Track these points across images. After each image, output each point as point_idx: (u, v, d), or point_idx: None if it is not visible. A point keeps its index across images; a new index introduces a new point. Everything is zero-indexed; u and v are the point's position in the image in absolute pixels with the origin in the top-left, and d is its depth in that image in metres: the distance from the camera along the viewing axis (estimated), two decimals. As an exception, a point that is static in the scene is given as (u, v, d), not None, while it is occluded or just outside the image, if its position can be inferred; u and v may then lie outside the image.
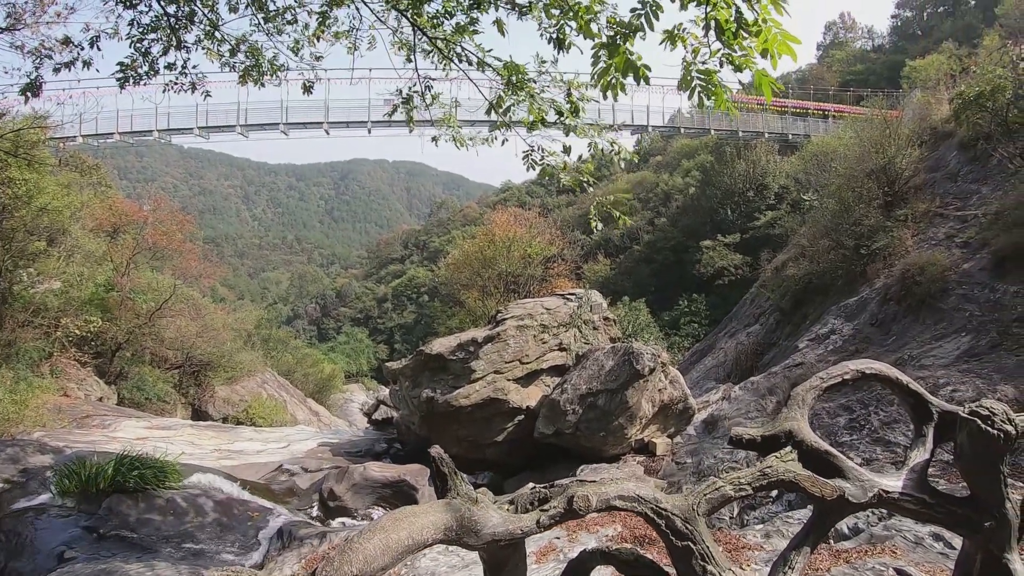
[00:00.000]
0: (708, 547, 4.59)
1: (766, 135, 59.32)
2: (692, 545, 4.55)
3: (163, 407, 31.72)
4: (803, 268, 26.84)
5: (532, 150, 8.77)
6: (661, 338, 39.20)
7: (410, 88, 9.51)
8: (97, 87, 38.25)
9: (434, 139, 9.35)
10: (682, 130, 61.79)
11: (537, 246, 37.85)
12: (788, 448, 5.08)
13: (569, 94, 8.43)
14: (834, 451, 5.19)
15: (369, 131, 49.46)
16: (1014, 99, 20.47)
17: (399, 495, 16.93)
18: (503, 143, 9.46)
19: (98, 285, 31.12)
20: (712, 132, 58.83)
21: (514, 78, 8.20)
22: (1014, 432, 4.44)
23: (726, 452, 15.74)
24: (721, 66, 5.54)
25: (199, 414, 34.48)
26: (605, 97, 6.19)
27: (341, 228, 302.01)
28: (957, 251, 19.80)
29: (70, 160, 39.53)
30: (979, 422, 4.52)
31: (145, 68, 9.45)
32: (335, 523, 15.63)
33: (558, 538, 10.36)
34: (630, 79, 5.78)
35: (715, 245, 60.02)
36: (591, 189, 9.10)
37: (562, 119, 8.28)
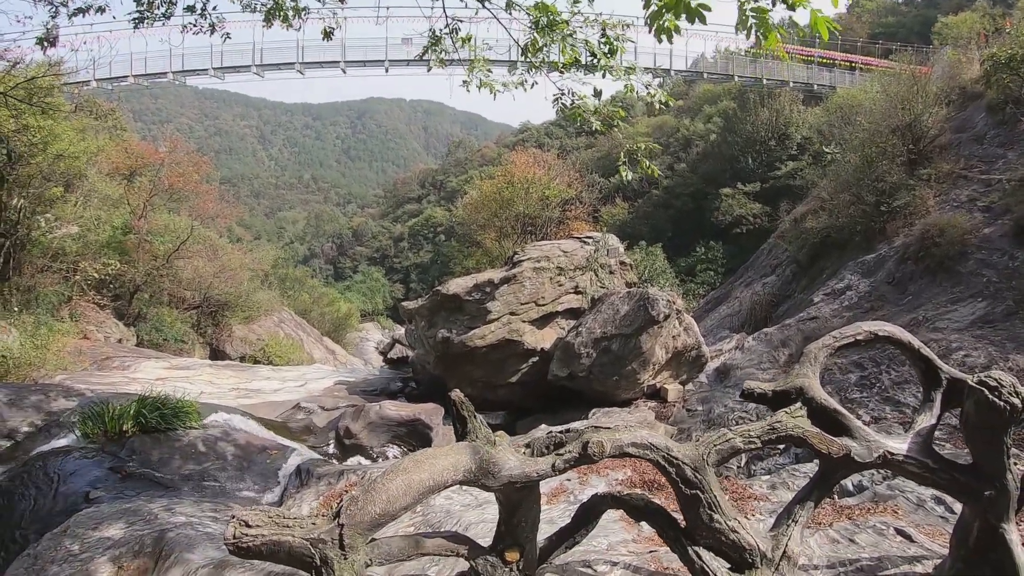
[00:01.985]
0: (715, 496, 4.85)
1: (791, 84, 58.26)
2: (700, 494, 4.79)
3: (181, 347, 32.19)
4: (822, 221, 26.73)
5: (562, 93, 8.79)
6: (677, 284, 39.12)
7: (440, 29, 9.44)
8: (110, 31, 38.03)
9: (464, 83, 9.18)
10: (705, 75, 60.83)
11: (555, 188, 37.80)
12: (798, 404, 5.27)
13: (604, 35, 8.37)
14: (843, 410, 5.38)
15: (386, 70, 49.11)
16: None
17: (414, 434, 17.24)
18: (532, 86, 9.41)
19: (115, 228, 31.39)
20: (736, 78, 57.99)
21: (545, 19, 8.17)
22: (1020, 405, 4.54)
23: (736, 402, 15.84)
24: (773, 5, 5.58)
25: (217, 354, 34.96)
26: (660, 40, 6.16)
27: (358, 167, 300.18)
28: (979, 215, 19.71)
29: (85, 105, 39.45)
30: (986, 392, 4.62)
31: (163, 9, 9.47)
32: (351, 461, 15.91)
33: (569, 480, 10.58)
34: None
35: (734, 193, 59.42)
36: (620, 134, 8.94)
37: (596, 61, 8.25)
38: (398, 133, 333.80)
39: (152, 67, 47.89)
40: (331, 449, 16.77)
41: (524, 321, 19.30)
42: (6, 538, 9.29)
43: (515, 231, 37.15)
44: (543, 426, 15.62)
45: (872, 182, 24.12)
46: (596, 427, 4.93)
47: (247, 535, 4.12)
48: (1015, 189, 19.34)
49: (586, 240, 21.91)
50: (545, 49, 8.34)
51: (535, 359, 19.44)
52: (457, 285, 19.92)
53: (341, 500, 9.94)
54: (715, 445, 4.99)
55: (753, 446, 5.12)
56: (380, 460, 15.01)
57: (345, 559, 4.20)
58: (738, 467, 13.50)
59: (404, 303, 22.97)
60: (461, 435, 4.97)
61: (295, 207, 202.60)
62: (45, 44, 8.75)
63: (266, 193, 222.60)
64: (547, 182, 37.80)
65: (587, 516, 5.66)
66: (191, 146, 50.15)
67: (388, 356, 34.05)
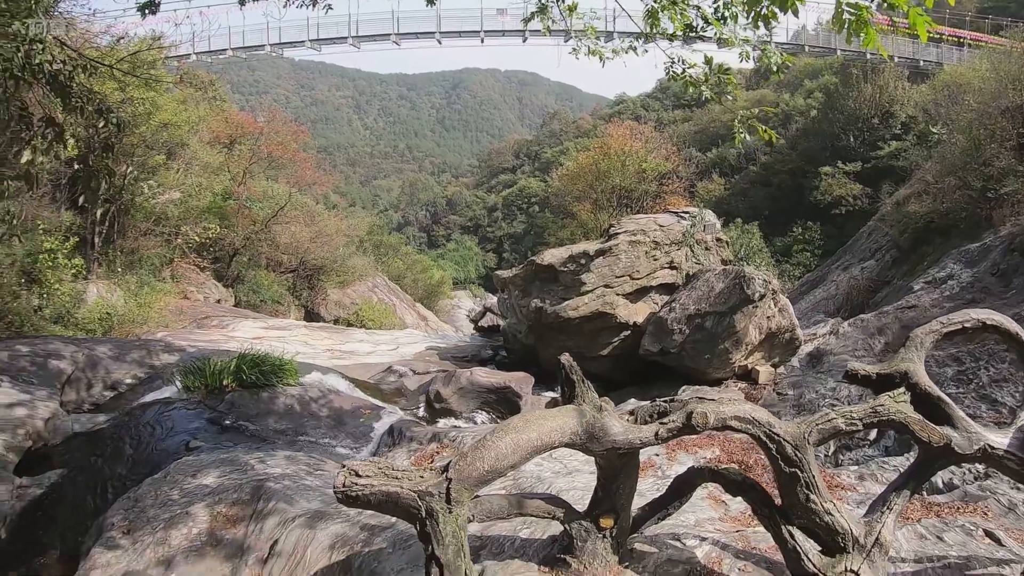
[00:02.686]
0: (813, 476, 4.75)
1: (895, 60, 55.22)
2: (799, 473, 4.70)
3: (277, 309, 33.01)
4: (925, 206, 25.40)
5: (673, 61, 8.62)
6: (772, 265, 38.23)
7: None
8: (208, 6, 38.83)
9: (573, 51, 9.06)
10: (806, 48, 58.80)
11: (652, 161, 37.30)
12: (902, 389, 5.13)
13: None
14: (946, 398, 5.23)
15: (482, 40, 48.81)
16: None
17: (503, 401, 17.28)
18: (644, 53, 9.24)
19: (216, 194, 32.34)
20: (838, 53, 56.07)
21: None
22: None
23: (828, 389, 15.39)
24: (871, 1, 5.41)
25: (311, 316, 35.69)
26: (757, 28, 6.07)
27: (452, 137, 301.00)
28: (1097, 206, 18.68)
29: (186, 77, 40.50)
30: None
31: None
32: (441, 424, 16.12)
33: (657, 455, 10.48)
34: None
35: (834, 172, 57.01)
36: (731, 100, 8.72)
37: (709, 28, 8.04)
38: (492, 104, 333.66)
39: (250, 40, 48.69)
40: (421, 412, 16.92)
41: (618, 294, 19.03)
42: (109, 482, 9.59)
43: (610, 204, 36.84)
44: (632, 400, 15.54)
45: (979, 166, 22.78)
46: (701, 398, 4.88)
47: (357, 484, 4.22)
48: None
49: (683, 215, 21.50)
50: (658, 15, 8.11)
51: (627, 333, 19.16)
52: (552, 256, 19.72)
53: (439, 459, 10.03)
54: (817, 424, 4.88)
55: (854, 428, 5.01)
56: (470, 425, 14.98)
57: (450, 512, 4.26)
58: (826, 455, 13.17)
59: (498, 272, 22.94)
60: (568, 398, 4.97)
61: (390, 176, 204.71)
62: (146, 11, 8.86)
63: (361, 162, 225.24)
64: (644, 155, 37.32)
65: (682, 488, 5.61)
66: (288, 116, 50.95)
67: (479, 324, 34.21)
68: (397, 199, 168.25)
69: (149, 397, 13.28)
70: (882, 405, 4.96)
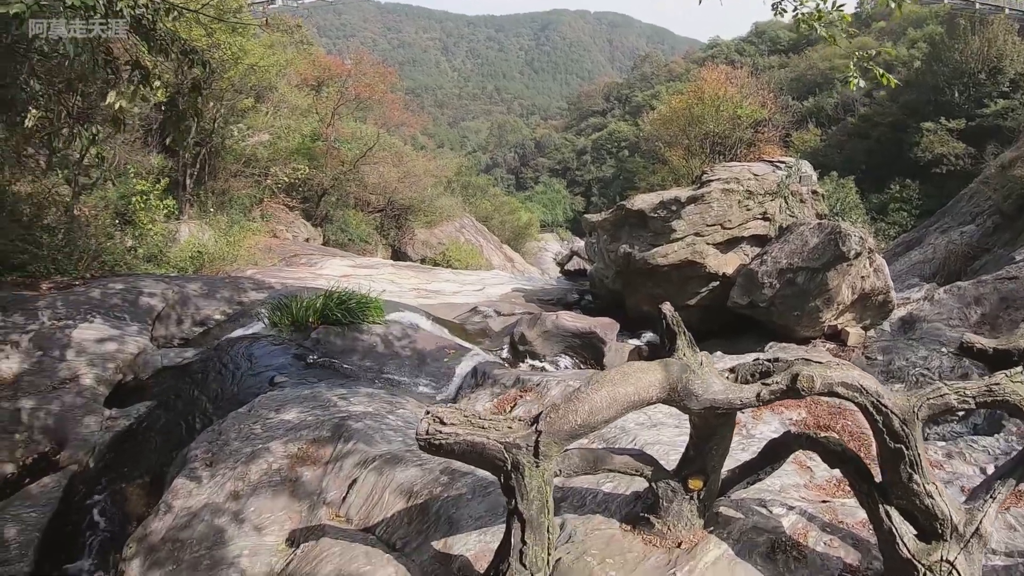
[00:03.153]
0: (918, 454, 4.40)
1: (1007, 11, 52.62)
2: (904, 450, 4.36)
3: (365, 247, 33.37)
4: None
5: None
6: (867, 222, 36.83)
7: None
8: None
9: None
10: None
11: (747, 108, 36.40)
12: (1019, 368, 4.71)
13: None
14: None
15: (572, -22, 48.00)
16: None
17: (587, 347, 17.10)
18: None
19: (304, 136, 32.71)
20: (946, 1, 53.37)
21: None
22: None
23: (919, 357, 14.82)
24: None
25: (398, 255, 36.03)
26: None
27: (541, 79, 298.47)
28: None
29: (272, 22, 40.71)
30: None
31: None
32: (524, 366, 16.05)
33: (743, 413, 10.23)
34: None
35: (936, 129, 53.81)
36: (846, 42, 8.19)
37: None
38: (582, 45, 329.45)
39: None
40: (504, 354, 16.86)
41: (708, 243, 18.55)
42: (195, 414, 9.72)
43: (703, 150, 36.22)
44: (719, 353, 15.24)
45: None
46: (807, 359, 4.55)
47: (441, 432, 4.06)
48: None
49: (778, 165, 20.81)
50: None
51: (716, 283, 18.74)
52: (642, 201, 19.34)
53: (522, 403, 9.89)
54: (928, 399, 4.49)
55: (966, 406, 4.61)
56: (555, 369, 14.83)
57: (537, 467, 4.10)
58: None
59: (587, 215, 22.66)
60: (668, 351, 4.69)
61: (478, 117, 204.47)
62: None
63: (449, 103, 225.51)
64: (739, 101, 36.42)
65: (775, 454, 5.33)
66: (375, 58, 50.87)
67: (565, 267, 34.07)
68: (485, 141, 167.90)
69: (237, 333, 13.48)
70: (997, 384, 4.57)
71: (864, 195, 45.07)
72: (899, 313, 17.77)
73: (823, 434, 5.19)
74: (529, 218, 62.61)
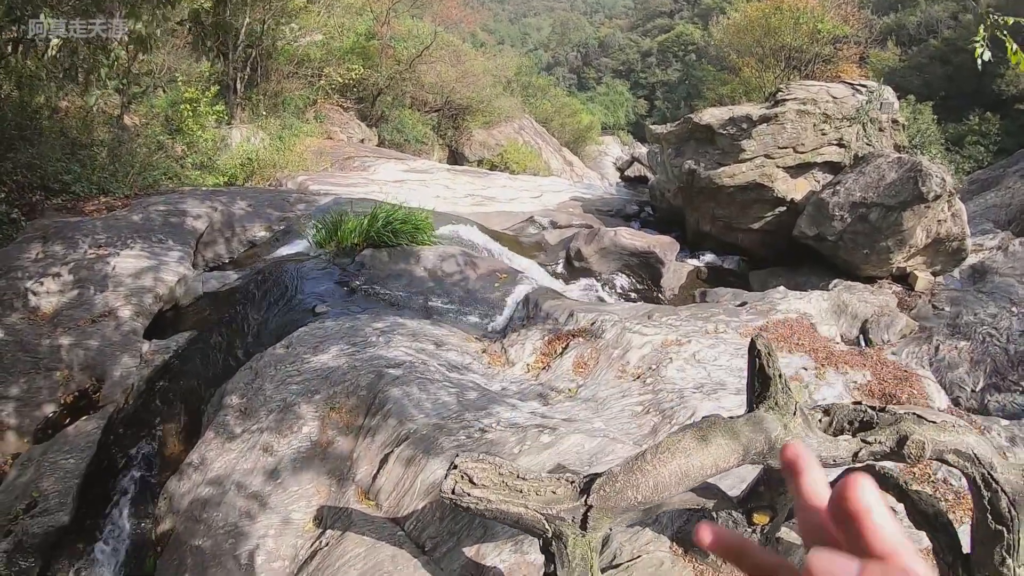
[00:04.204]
0: (1019, 539, 3.83)
1: None
2: (1006, 533, 3.81)
3: (421, 148, 32.92)
4: None
5: None
6: (946, 158, 35.29)
7: None
8: None
9: None
10: None
11: (829, 22, 34.47)
12: None
13: None
14: None
15: None
16: None
17: (645, 266, 16.74)
18: None
19: (359, 35, 32.26)
20: None
21: None
22: None
23: (989, 314, 14.09)
24: None
25: (455, 156, 35.62)
26: None
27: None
28: None
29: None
30: None
31: None
32: (580, 287, 15.63)
33: (805, 369, 9.71)
34: None
35: None
36: None
37: None
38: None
39: None
40: (560, 268, 16.60)
41: (778, 166, 17.93)
42: (235, 346, 9.43)
43: (777, 63, 34.72)
44: (781, 288, 14.65)
45: None
46: (919, 416, 3.89)
47: (470, 496, 3.55)
48: None
49: (859, 88, 19.77)
50: None
51: (782, 209, 18.16)
52: (711, 115, 18.66)
53: (575, 345, 9.42)
54: None
55: None
56: (614, 301, 14.30)
57: (583, 537, 3.55)
58: (972, 390, 12.14)
59: (652, 126, 21.94)
60: (760, 396, 4.00)
61: (540, 14, 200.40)
62: None
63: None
64: (820, 14, 34.59)
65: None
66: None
67: (625, 174, 33.54)
68: (547, 38, 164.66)
69: (281, 251, 13.21)
70: None
71: (941, 124, 43.14)
72: (970, 260, 17.07)
73: (915, 487, 4.50)
74: (590, 121, 61.14)
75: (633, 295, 16.14)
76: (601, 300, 14.83)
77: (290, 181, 19.68)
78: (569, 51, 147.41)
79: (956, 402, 11.77)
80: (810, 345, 10.77)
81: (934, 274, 16.63)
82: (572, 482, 3.55)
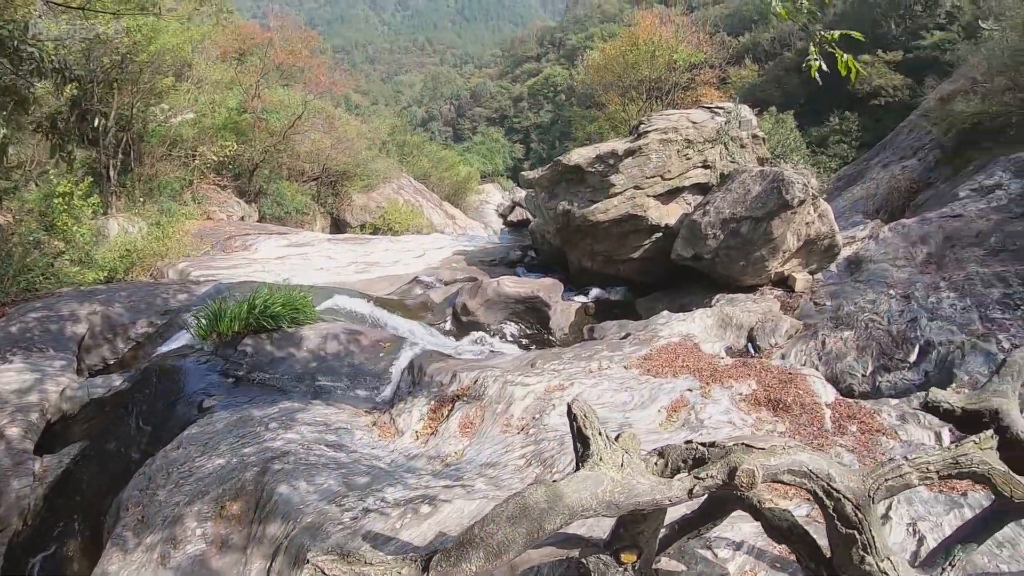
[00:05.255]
0: (873, 537, 4.22)
1: None
2: (857, 535, 4.19)
3: (302, 219, 32.98)
4: (973, 105, 23.78)
5: None
6: (808, 159, 36.95)
7: None
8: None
9: None
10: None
11: (683, 51, 36.08)
12: (989, 433, 4.52)
13: None
14: None
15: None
16: None
17: (532, 311, 17.21)
18: None
19: (230, 110, 32.10)
20: None
21: None
22: None
23: (867, 301, 14.99)
24: None
25: (338, 223, 35.80)
26: None
27: (473, 28, 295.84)
28: None
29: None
30: None
31: None
32: (466, 341, 15.94)
33: (691, 390, 10.16)
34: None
35: (874, 61, 53.65)
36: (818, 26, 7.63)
37: None
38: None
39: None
40: (448, 326, 16.89)
41: (648, 195, 18.62)
42: (127, 450, 9.45)
43: (640, 96, 35.94)
44: (665, 312, 15.22)
45: None
46: (748, 446, 4.23)
47: None
48: None
49: (717, 110, 20.76)
50: None
51: (659, 235, 18.85)
52: (579, 155, 19.17)
53: (460, 407, 9.69)
54: (885, 479, 4.28)
55: (929, 481, 4.39)
56: (499, 354, 14.61)
57: None
58: (863, 375, 12.90)
59: (524, 173, 22.46)
60: (582, 456, 4.33)
61: (411, 70, 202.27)
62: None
63: (381, 59, 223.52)
64: (674, 45, 36.14)
65: (714, 512, 5.09)
66: (301, 19, 49.83)
67: (508, 219, 34.09)
68: (420, 94, 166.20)
69: (165, 347, 13.16)
70: (965, 455, 4.38)
71: (803, 129, 45.54)
72: (845, 253, 18.09)
73: (768, 506, 4.88)
74: (468, 172, 61.94)
75: (524, 341, 16.54)
76: (493, 352, 15.05)
77: (171, 269, 19.44)
78: (442, 104, 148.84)
79: (849, 390, 12.49)
80: (695, 365, 11.26)
81: (811, 273, 17.54)
82: (415, 560, 3.84)
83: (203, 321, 13.02)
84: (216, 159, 28.84)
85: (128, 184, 24.19)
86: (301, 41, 38.99)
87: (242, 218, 28.96)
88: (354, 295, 16.68)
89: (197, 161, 28.21)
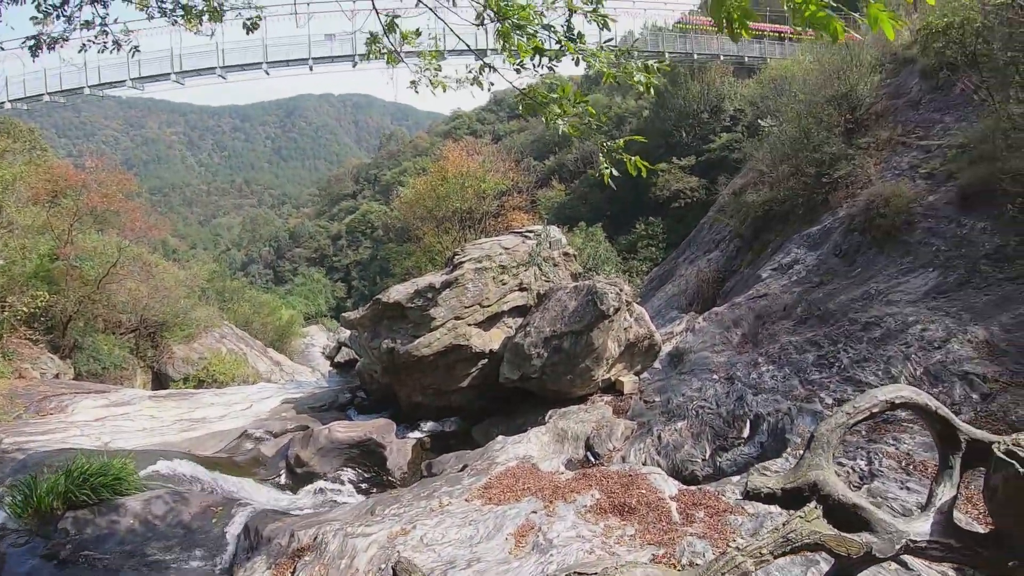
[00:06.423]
0: None
1: (721, 58, 58.56)
2: None
3: (121, 374, 31.30)
4: (763, 194, 26.33)
5: (525, 92, 7.97)
6: (619, 264, 38.72)
7: (383, 26, 8.48)
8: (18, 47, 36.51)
9: (412, 84, 8.52)
10: (635, 53, 59.51)
11: (491, 181, 37.24)
12: (813, 505, 4.68)
13: (569, 23, 7.59)
14: (863, 503, 4.80)
15: (311, 68, 47.98)
16: (982, 30, 19.78)
17: (367, 454, 16.92)
18: (490, 87, 8.55)
19: (41, 256, 30.47)
20: (666, 55, 57.66)
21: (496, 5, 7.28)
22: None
23: (694, 390, 15.77)
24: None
25: (159, 377, 34.17)
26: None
27: (290, 167, 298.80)
28: (922, 183, 19.33)
29: (1, 127, 38.08)
30: (1018, 467, 4.15)
31: (59, 31, 8.72)
32: (303, 494, 15.43)
33: (535, 512, 10.09)
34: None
35: (671, 168, 59.00)
36: (600, 137, 8.12)
37: (561, 49, 7.41)
38: (328, 129, 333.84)
39: (68, 82, 46.03)
40: (283, 479, 16.33)
41: (470, 324, 19.08)
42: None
43: (453, 226, 36.67)
44: (500, 437, 15.25)
45: (810, 153, 23.73)
46: (579, 574, 4.21)
47: None
48: (956, 155, 18.98)
49: (527, 234, 21.59)
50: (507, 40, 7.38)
51: (484, 361, 19.27)
52: (398, 292, 19.52)
53: (303, 565, 9.25)
54: (721, 572, 4.30)
55: (765, 563, 4.45)
56: (338, 506, 14.12)
57: None
58: (703, 459, 13.30)
59: (345, 314, 22.51)
60: None
61: (229, 212, 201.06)
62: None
63: (198, 200, 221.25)
64: (482, 175, 37.26)
65: None
66: (118, 158, 49.12)
67: (335, 361, 33.69)
68: (239, 237, 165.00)
69: (-24, 529, 11.95)
70: (794, 531, 4.49)
71: (612, 238, 49.12)
72: (666, 348, 18.88)
73: None
74: (291, 315, 61.37)
75: (364, 486, 16.20)
76: (334, 502, 14.69)
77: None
78: (262, 247, 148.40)
79: (693, 476, 12.90)
80: (536, 486, 11.24)
81: (637, 373, 18.28)
82: None
83: (18, 497, 11.90)
84: (27, 311, 27.07)
85: (-70, 344, 22.46)
86: (116, 184, 37.84)
87: (56, 375, 27.23)
88: (180, 457, 15.74)
89: (6, 313, 26.49)
